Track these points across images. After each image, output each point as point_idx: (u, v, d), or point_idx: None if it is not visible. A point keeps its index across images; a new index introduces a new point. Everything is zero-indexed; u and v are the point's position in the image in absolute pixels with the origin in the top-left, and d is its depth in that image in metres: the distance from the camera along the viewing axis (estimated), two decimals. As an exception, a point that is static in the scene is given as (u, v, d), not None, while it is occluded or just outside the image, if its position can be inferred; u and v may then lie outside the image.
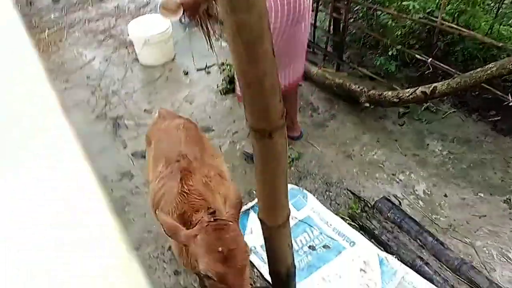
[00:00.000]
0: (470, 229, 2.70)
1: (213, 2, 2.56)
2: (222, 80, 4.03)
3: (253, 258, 2.58)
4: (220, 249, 1.43)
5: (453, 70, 3.28)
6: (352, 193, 2.96)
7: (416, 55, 3.51)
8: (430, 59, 3.41)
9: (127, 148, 3.44)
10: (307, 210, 2.84)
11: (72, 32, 5.02)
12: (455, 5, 3.53)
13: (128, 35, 4.47)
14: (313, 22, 4.12)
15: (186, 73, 4.23)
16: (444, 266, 2.49)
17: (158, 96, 3.96)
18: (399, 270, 2.46)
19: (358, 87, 3.49)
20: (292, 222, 2.74)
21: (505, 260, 2.56)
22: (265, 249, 1.90)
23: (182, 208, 1.73)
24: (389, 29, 3.80)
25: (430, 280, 2.40)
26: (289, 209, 1.76)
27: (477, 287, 2.36)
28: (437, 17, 3.34)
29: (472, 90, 3.57)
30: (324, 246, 2.66)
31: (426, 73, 3.56)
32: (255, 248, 2.65)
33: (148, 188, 2.24)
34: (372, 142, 3.36)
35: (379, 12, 3.96)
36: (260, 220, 1.75)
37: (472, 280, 2.40)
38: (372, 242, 2.63)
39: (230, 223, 1.54)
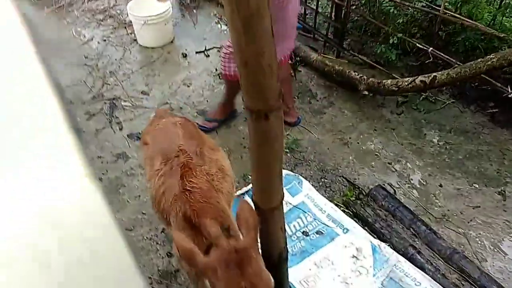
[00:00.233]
0: (463, 219, 2.71)
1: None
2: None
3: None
4: (243, 284, 1.34)
5: (454, 60, 3.26)
6: (347, 180, 2.96)
7: (417, 44, 3.49)
8: (431, 48, 3.39)
9: (123, 129, 3.42)
10: (302, 196, 2.84)
11: (71, 11, 4.96)
12: (458, -6, 3.50)
13: (127, 15, 4.41)
14: (315, 7, 4.08)
15: (185, 56, 4.19)
16: (436, 255, 2.51)
17: (156, 78, 3.93)
18: (391, 257, 2.47)
19: (358, 75, 3.47)
20: (286, 208, 2.75)
21: (497, 250, 2.57)
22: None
23: (187, 209, 1.66)
24: (391, 17, 3.76)
25: (422, 268, 2.41)
26: (283, 192, 1.74)
27: (468, 276, 2.38)
28: (439, 6, 3.31)
29: (471, 82, 3.55)
30: (317, 232, 2.66)
31: (426, 62, 3.54)
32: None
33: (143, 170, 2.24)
34: (369, 130, 3.35)
35: (381, 0, 3.92)
36: (254, 202, 1.74)
37: (463, 269, 2.41)
38: (366, 230, 2.64)
39: (252, 254, 1.43)
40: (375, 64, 3.79)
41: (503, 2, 3.52)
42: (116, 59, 4.17)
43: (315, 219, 2.72)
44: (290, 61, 3.40)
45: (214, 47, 4.24)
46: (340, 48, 4.04)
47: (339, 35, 4.04)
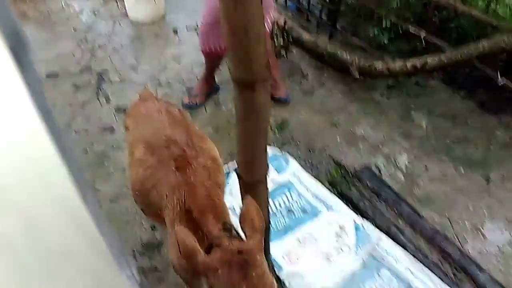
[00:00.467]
0: (447, 202, 2.72)
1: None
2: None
3: (232, 218, 2.59)
4: None
5: (445, 46, 3.25)
6: (334, 161, 2.96)
7: (410, 29, 3.47)
8: (424, 33, 3.37)
9: (110, 103, 3.38)
10: (288, 174, 2.83)
11: (61, -18, 4.86)
12: (453, -21, 3.47)
13: (118, -12, 4.34)
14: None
15: (176, 31, 4.14)
16: (418, 235, 2.52)
17: (145, 53, 3.88)
18: (374, 236, 2.48)
19: (349, 57, 3.45)
20: (272, 185, 2.75)
21: (478, 233, 2.60)
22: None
23: (188, 204, 1.58)
24: (385, 0, 3.74)
25: (403, 248, 2.43)
26: (267, 166, 1.74)
27: (449, 256, 2.40)
28: (433, -10, 3.29)
29: (462, 68, 3.55)
30: (302, 210, 2.66)
31: (418, 47, 3.52)
32: (234, 208, 2.65)
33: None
34: (359, 112, 3.35)
35: (376, -18, 3.88)
36: (238, 175, 1.73)
37: (444, 250, 2.43)
38: (350, 208, 2.65)
39: (257, 257, 1.34)
40: (367, 47, 3.77)
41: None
42: (105, 33, 4.11)
43: (300, 197, 2.73)
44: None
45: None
46: (333, 30, 4.01)
47: (332, 16, 4.02)
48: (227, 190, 2.76)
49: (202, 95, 3.35)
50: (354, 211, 2.63)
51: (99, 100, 3.41)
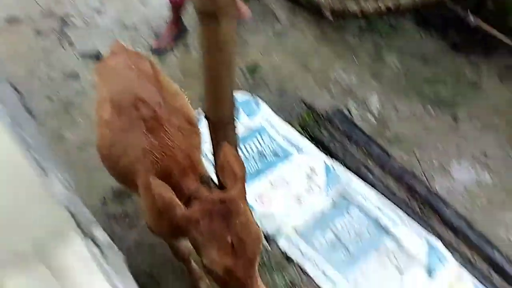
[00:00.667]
0: (416, 142, 2.77)
1: None
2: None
3: (207, 164, 2.59)
4: (229, 239, 1.20)
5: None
6: (306, 104, 2.95)
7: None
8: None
9: (74, 48, 3.24)
10: (259, 118, 2.82)
11: None
12: None
13: None
14: None
15: (142, -28, 3.92)
16: (387, 174, 2.58)
17: (110, -5, 3.69)
18: (344, 176, 2.53)
19: (322, -2, 3.36)
20: (243, 129, 2.74)
21: (445, 171, 2.67)
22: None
23: (165, 168, 1.48)
24: None
25: (373, 187, 2.49)
26: (235, 106, 1.69)
27: (416, 194, 2.48)
28: None
29: (435, 9, 3.50)
30: (273, 154, 2.68)
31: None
32: (206, 155, 2.64)
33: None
34: (331, 54, 3.30)
35: None
36: (205, 114, 1.69)
37: (412, 188, 2.51)
38: (320, 150, 2.67)
39: (240, 205, 1.27)
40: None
41: None
42: (67, -26, 3.86)
43: (271, 140, 2.73)
44: None
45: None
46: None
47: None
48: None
49: (170, 38, 3.24)
50: (325, 153, 2.66)
51: (62, 46, 3.26)
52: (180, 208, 1.25)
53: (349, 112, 2.90)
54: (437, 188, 2.57)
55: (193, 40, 3.31)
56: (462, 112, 2.93)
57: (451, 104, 2.97)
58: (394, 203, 2.43)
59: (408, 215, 2.41)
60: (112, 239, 2.31)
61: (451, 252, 2.31)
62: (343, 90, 3.06)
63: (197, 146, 1.71)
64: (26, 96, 2.87)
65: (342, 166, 2.58)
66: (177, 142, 1.55)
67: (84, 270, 0.76)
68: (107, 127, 1.69)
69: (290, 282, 2.23)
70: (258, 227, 1.30)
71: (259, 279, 1.28)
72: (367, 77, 3.14)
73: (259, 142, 2.73)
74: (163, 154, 1.51)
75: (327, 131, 2.76)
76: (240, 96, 2.89)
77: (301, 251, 2.30)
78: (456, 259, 2.30)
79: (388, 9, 3.14)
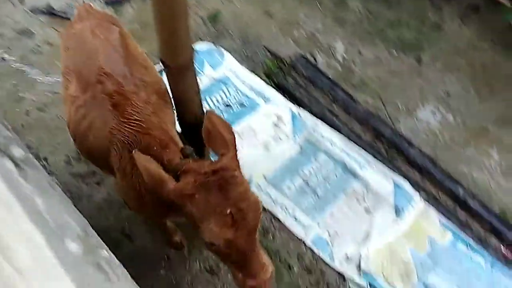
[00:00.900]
0: (380, 85, 2.79)
1: None
2: None
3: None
4: (228, 210, 1.14)
5: None
6: (270, 52, 2.90)
7: None
8: None
9: (24, 3, 3.04)
10: (224, 69, 2.75)
11: None
12: None
13: None
14: None
15: None
16: (353, 118, 2.60)
17: None
18: (310, 123, 2.53)
19: None
20: (208, 81, 2.69)
21: (409, 113, 2.71)
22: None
23: (140, 145, 1.37)
24: None
25: (338, 131, 2.50)
26: (192, 50, 1.62)
27: (381, 136, 2.52)
28: None
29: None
30: (240, 104, 2.64)
31: None
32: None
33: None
34: (294, 0, 3.22)
35: None
36: (161, 60, 1.61)
37: (377, 130, 2.54)
38: (286, 98, 2.65)
39: (236, 173, 1.20)
40: None
41: None
42: None
43: (237, 91, 2.68)
44: None
45: None
46: None
47: None
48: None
49: None
50: (291, 101, 2.65)
51: (11, 2, 3.06)
52: (171, 181, 1.19)
53: (314, 59, 2.87)
54: (402, 129, 2.61)
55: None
56: (426, 55, 2.95)
57: (415, 47, 2.98)
58: (360, 146, 2.47)
59: (375, 157, 2.45)
60: (80, 198, 2.29)
61: (417, 191, 2.38)
62: (307, 36, 3.01)
63: (171, 121, 1.60)
64: (-25, 55, 2.71)
65: (308, 112, 2.57)
66: (147, 117, 1.44)
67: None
68: (72, 103, 1.55)
69: (263, 228, 2.26)
70: (256, 195, 1.24)
71: (261, 250, 1.25)
72: (331, 23, 3.10)
73: (225, 93, 2.68)
74: (135, 130, 1.40)
75: (292, 78, 2.73)
76: (202, 46, 2.81)
77: (271, 198, 2.32)
78: (422, 197, 2.37)
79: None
